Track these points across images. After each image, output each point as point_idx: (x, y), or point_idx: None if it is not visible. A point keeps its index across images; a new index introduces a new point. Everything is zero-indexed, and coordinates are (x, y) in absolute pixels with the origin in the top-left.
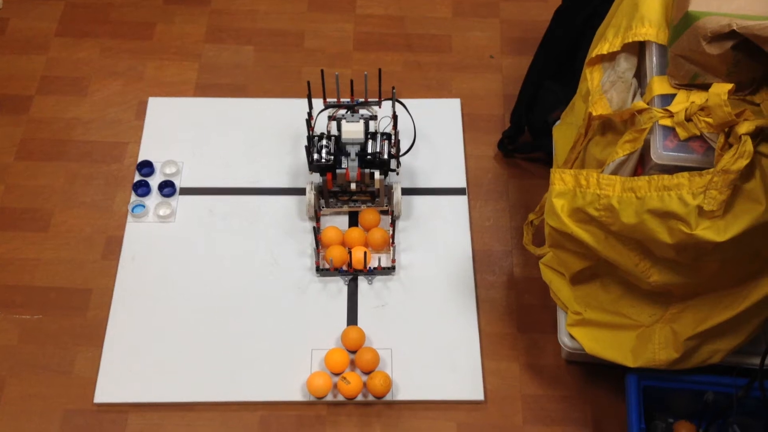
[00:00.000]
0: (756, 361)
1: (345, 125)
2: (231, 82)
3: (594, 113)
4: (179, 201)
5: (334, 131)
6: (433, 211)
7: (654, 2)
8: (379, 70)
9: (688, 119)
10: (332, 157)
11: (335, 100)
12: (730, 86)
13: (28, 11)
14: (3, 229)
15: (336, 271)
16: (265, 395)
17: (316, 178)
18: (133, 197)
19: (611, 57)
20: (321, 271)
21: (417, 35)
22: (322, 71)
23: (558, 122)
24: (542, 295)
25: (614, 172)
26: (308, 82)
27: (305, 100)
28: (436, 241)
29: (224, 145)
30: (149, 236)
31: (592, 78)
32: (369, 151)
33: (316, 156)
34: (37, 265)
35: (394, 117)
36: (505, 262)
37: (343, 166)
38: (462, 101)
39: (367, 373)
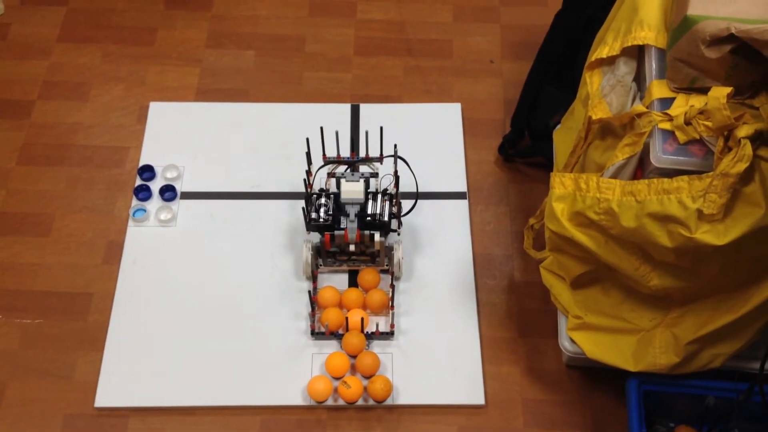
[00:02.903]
0: (756, 366)
1: (344, 185)
2: (232, 86)
3: (594, 117)
4: (180, 205)
5: (333, 188)
6: (434, 216)
7: (653, 6)
8: (381, 129)
9: (688, 123)
10: (331, 217)
11: (335, 155)
12: (729, 90)
13: (29, 16)
14: (4, 234)
15: (332, 335)
16: (265, 399)
17: (314, 236)
18: (134, 202)
19: (611, 61)
20: (316, 334)
21: (417, 40)
22: (321, 129)
23: (558, 126)
24: (543, 300)
25: (614, 176)
26: (307, 139)
27: (306, 105)
28: (437, 245)
29: (225, 150)
30: (150, 240)
31: (592, 82)
32: (369, 212)
33: (314, 215)
34: (38, 270)
35: (396, 176)
36: (505, 266)
37: (342, 226)
38: (462, 106)
39: (368, 377)
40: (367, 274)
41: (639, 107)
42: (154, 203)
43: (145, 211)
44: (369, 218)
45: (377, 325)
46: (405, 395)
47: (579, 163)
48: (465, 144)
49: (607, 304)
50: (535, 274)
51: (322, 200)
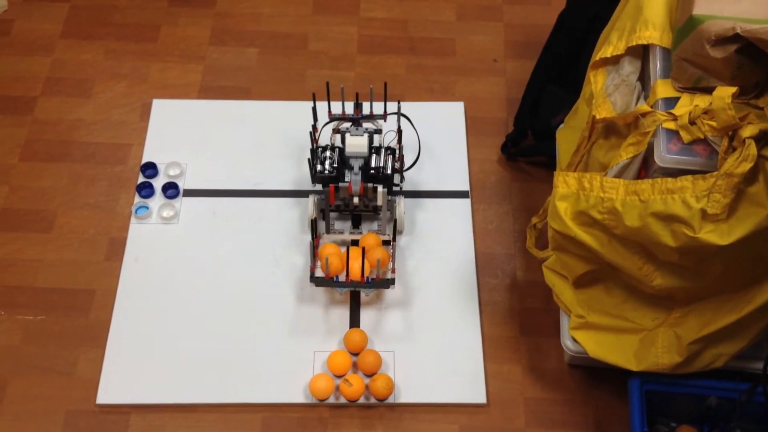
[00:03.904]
0: (759, 366)
1: (349, 138)
2: (235, 84)
3: (598, 116)
4: (183, 203)
5: (338, 144)
6: (437, 214)
7: (658, 5)
8: (385, 84)
9: (692, 122)
10: (335, 169)
11: (340, 112)
12: (733, 90)
13: (33, 13)
14: (7, 230)
15: (331, 280)
16: (267, 397)
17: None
18: (137, 199)
19: (615, 60)
20: (315, 279)
21: (420, 38)
22: (327, 84)
23: (561, 126)
24: (545, 299)
25: (618, 176)
26: (313, 94)
27: (309, 103)
28: (439, 244)
29: (228, 148)
30: (152, 238)
31: (596, 81)
32: (373, 165)
33: (319, 167)
34: (41, 266)
35: (399, 131)
36: (508, 265)
37: (346, 179)
38: (465, 105)
39: (370, 375)
40: (369, 238)
41: (643, 107)
42: (157, 200)
43: (147, 208)
44: (373, 171)
45: (378, 270)
46: (407, 394)
47: (582, 163)
48: (468, 143)
49: (610, 304)
50: (537, 273)
51: (327, 153)
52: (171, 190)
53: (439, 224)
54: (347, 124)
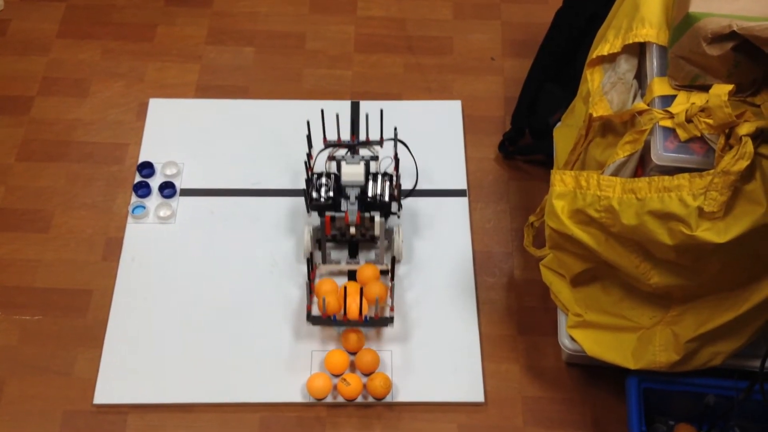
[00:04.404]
0: (757, 364)
1: (345, 167)
2: (232, 83)
3: (594, 114)
4: (180, 202)
5: (333, 170)
6: (434, 213)
7: (654, 3)
8: (381, 111)
9: (689, 120)
10: (332, 195)
11: (335, 139)
12: (730, 87)
13: (29, 12)
14: (4, 230)
15: (328, 319)
16: (264, 396)
17: (315, 220)
18: (134, 198)
19: (612, 58)
20: (312, 318)
21: (418, 37)
22: (321, 111)
23: (558, 124)
24: (543, 297)
25: (614, 174)
26: (308, 122)
27: (306, 102)
28: (437, 243)
29: (225, 147)
30: (150, 237)
31: (593, 79)
32: (369, 193)
33: (314, 195)
34: (38, 266)
35: (396, 159)
36: (505, 263)
37: (342, 209)
38: (463, 103)
39: (367, 374)
40: (366, 270)
41: (640, 104)
42: (154, 200)
43: (144, 208)
44: (370, 199)
45: (377, 309)
46: (404, 393)
47: (579, 161)
48: (465, 141)
49: (607, 302)
50: (535, 271)
51: (323, 180)
52: (168, 189)
53: (437, 223)
54: (343, 152)
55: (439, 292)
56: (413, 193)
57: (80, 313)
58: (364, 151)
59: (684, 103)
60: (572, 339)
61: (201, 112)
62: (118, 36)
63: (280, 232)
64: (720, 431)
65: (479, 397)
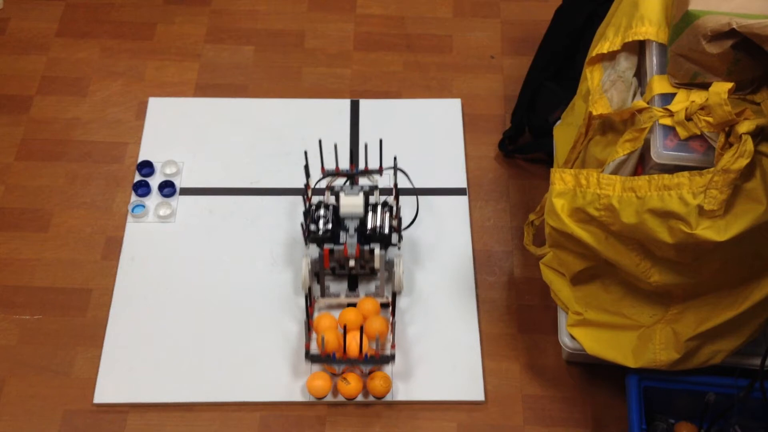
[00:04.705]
0: (757, 362)
1: (343, 198)
2: (231, 82)
3: (594, 113)
4: (179, 201)
5: (331, 201)
6: (434, 212)
7: (654, 1)
8: (380, 141)
9: (689, 118)
10: (330, 228)
11: (334, 168)
12: (730, 85)
13: (28, 11)
14: (3, 230)
15: (327, 357)
16: (264, 395)
17: (312, 252)
18: (133, 197)
19: (611, 56)
20: (311, 356)
21: (417, 35)
22: (320, 141)
23: (558, 122)
24: (543, 296)
25: (614, 172)
26: (305, 152)
27: (305, 101)
28: (437, 241)
29: (224, 146)
30: (149, 236)
31: (593, 77)
32: (369, 225)
33: (312, 227)
34: (37, 266)
35: (396, 189)
36: (505, 262)
37: (341, 241)
38: (462, 101)
39: (367, 373)
40: (366, 303)
41: (640, 103)
42: (153, 199)
43: (144, 207)
44: (369, 231)
45: (377, 345)
46: (404, 391)
47: (579, 159)
48: (465, 140)
49: (607, 301)
50: (534, 270)
51: (321, 211)
52: (167, 188)
53: (437, 221)
54: (341, 182)
55: (438, 290)
56: (414, 221)
57: (80, 313)
58: (363, 181)
59: (684, 101)
60: (572, 337)
61: (200, 111)
62: (117, 35)
63: (280, 231)
64: (720, 430)
65: (479, 396)
